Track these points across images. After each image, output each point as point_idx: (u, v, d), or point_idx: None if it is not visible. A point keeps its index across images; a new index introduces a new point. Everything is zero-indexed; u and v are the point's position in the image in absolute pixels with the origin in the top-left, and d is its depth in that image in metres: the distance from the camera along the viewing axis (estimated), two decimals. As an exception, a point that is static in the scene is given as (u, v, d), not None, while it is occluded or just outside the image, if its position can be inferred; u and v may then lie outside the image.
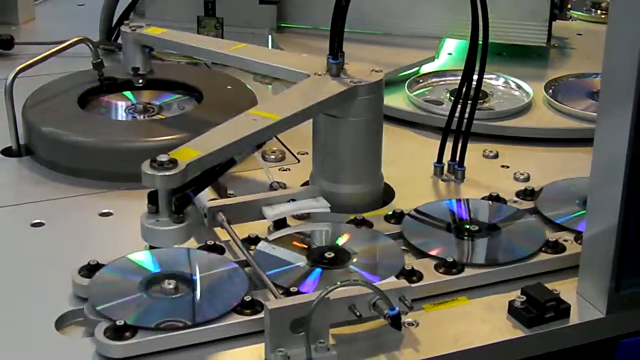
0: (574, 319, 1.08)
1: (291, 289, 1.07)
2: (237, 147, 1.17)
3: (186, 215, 1.12)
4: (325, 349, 0.98)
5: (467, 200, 1.28)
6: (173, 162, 1.09)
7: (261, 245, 1.16)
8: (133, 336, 1.01)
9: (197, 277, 1.09)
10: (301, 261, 1.13)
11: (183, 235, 1.13)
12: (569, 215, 1.24)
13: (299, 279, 1.10)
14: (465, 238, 1.19)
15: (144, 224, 1.12)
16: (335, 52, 1.26)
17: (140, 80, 1.51)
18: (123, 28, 1.47)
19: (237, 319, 1.04)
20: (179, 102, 1.57)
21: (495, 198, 1.29)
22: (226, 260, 1.14)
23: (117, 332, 1.01)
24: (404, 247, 1.18)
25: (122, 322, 1.01)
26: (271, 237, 1.18)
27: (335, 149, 1.27)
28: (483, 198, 1.29)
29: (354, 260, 1.13)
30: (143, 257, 1.12)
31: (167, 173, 1.08)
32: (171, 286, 1.06)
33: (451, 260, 1.13)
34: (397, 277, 1.10)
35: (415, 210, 1.25)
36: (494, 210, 1.26)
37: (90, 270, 1.10)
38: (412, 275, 1.11)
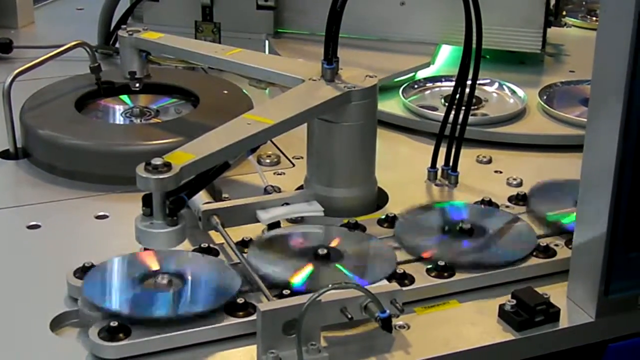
0: (564, 322, 1.09)
1: (284, 292, 1.08)
2: (231, 151, 1.17)
3: (180, 218, 1.13)
4: (316, 351, 0.99)
5: (460, 204, 1.30)
6: (167, 166, 1.09)
7: (255, 244, 1.17)
8: (127, 337, 1.02)
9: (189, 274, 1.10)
10: (293, 261, 1.14)
11: (177, 238, 1.13)
12: (561, 214, 1.25)
13: (290, 278, 1.11)
14: (457, 241, 1.20)
15: (139, 226, 1.12)
16: (330, 57, 1.27)
17: (137, 85, 1.51)
18: (120, 32, 1.48)
19: (230, 320, 1.05)
20: (176, 106, 1.58)
21: (487, 203, 1.30)
22: (220, 261, 1.15)
23: (111, 333, 1.02)
24: (395, 245, 1.19)
25: (116, 323, 1.02)
26: (266, 235, 1.19)
27: (329, 153, 1.28)
28: (476, 203, 1.31)
29: (345, 262, 1.14)
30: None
31: (161, 176, 1.08)
32: (164, 281, 1.08)
33: (442, 264, 1.14)
34: (390, 280, 1.11)
35: (408, 212, 1.26)
36: (486, 215, 1.27)
37: (84, 271, 1.11)
38: (404, 278, 1.13)
